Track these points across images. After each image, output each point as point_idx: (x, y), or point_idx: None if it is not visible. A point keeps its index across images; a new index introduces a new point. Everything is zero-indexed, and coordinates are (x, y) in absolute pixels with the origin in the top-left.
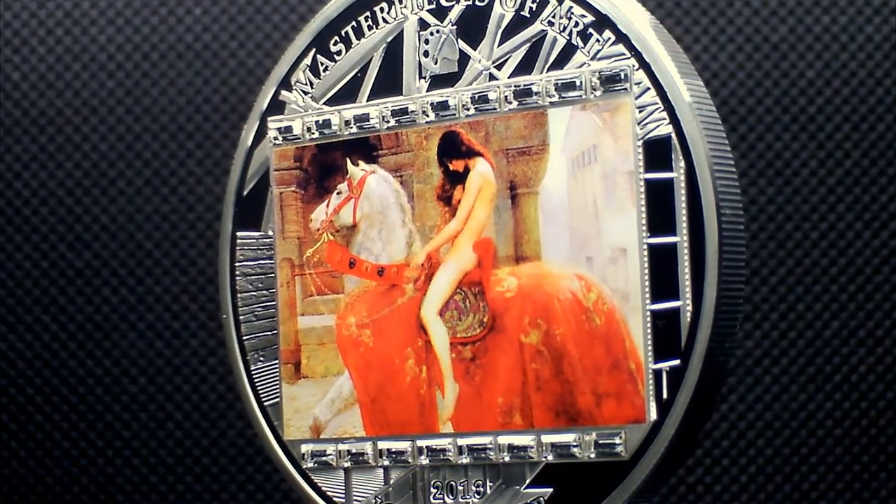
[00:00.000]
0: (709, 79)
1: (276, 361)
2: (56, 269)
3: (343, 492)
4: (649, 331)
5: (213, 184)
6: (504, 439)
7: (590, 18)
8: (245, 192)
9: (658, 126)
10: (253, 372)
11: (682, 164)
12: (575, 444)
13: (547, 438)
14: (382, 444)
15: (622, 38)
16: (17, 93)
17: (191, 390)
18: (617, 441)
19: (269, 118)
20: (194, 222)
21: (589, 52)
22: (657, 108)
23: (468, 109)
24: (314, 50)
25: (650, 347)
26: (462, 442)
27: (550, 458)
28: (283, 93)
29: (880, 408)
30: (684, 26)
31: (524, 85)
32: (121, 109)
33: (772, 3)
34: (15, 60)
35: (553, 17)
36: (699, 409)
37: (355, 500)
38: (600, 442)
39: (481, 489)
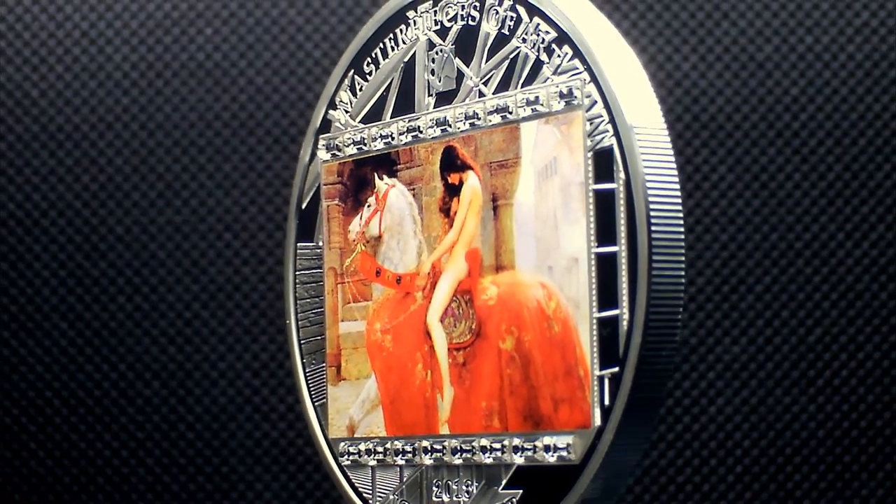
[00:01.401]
0: (697, 96)
1: (324, 364)
2: (146, 278)
3: (370, 488)
4: (595, 338)
5: (275, 195)
6: (483, 442)
7: (553, 35)
8: (304, 206)
9: (603, 138)
10: (308, 374)
11: (623, 175)
12: (539, 447)
13: (516, 442)
14: (397, 444)
15: (578, 53)
16: (120, 108)
17: (251, 393)
18: (568, 445)
19: (320, 136)
20: (255, 233)
21: (552, 67)
22: (603, 121)
23: (463, 125)
24: (352, 71)
25: (596, 354)
26: (454, 444)
27: (519, 460)
28: (330, 112)
29: (861, 410)
30: (674, 45)
31: (501, 101)
32: (193, 129)
33: (757, 23)
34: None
35: (526, 33)
36: (637, 415)
37: (378, 497)
38: (557, 446)
39: (470, 489)
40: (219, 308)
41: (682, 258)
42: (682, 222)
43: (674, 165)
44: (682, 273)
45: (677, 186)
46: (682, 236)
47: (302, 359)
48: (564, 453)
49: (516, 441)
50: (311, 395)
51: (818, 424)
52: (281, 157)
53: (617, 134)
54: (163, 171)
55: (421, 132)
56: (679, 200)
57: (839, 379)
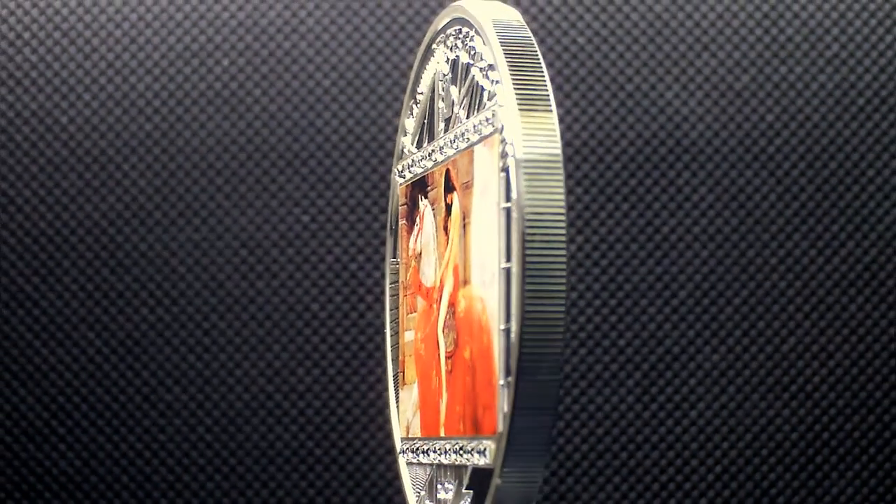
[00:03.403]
0: (679, 122)
1: (398, 370)
2: (167, 291)
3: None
4: (502, 350)
5: (287, 214)
6: (452, 444)
7: (490, 61)
8: (393, 226)
9: (506, 159)
10: (394, 377)
11: (515, 195)
12: (475, 450)
13: (465, 444)
14: (422, 444)
15: (500, 78)
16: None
17: (265, 398)
18: (485, 449)
19: (399, 161)
20: (269, 249)
21: (489, 93)
22: (508, 144)
23: (450, 149)
24: (412, 100)
25: (502, 365)
26: (446, 445)
27: (468, 462)
28: (401, 138)
29: (832, 414)
30: (658, 76)
31: (464, 126)
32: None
33: (735, 55)
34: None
35: (478, 61)
36: (526, 424)
37: (415, 492)
38: (482, 450)
39: (453, 487)
40: (235, 319)
41: (562, 278)
42: (563, 245)
43: (561, 189)
44: (562, 291)
45: (561, 209)
46: (563, 257)
47: (391, 363)
48: (486, 457)
49: (465, 444)
50: (396, 398)
51: (792, 427)
52: (292, 179)
53: (513, 155)
54: (182, 192)
55: (434, 156)
56: (562, 222)
57: (811, 385)
